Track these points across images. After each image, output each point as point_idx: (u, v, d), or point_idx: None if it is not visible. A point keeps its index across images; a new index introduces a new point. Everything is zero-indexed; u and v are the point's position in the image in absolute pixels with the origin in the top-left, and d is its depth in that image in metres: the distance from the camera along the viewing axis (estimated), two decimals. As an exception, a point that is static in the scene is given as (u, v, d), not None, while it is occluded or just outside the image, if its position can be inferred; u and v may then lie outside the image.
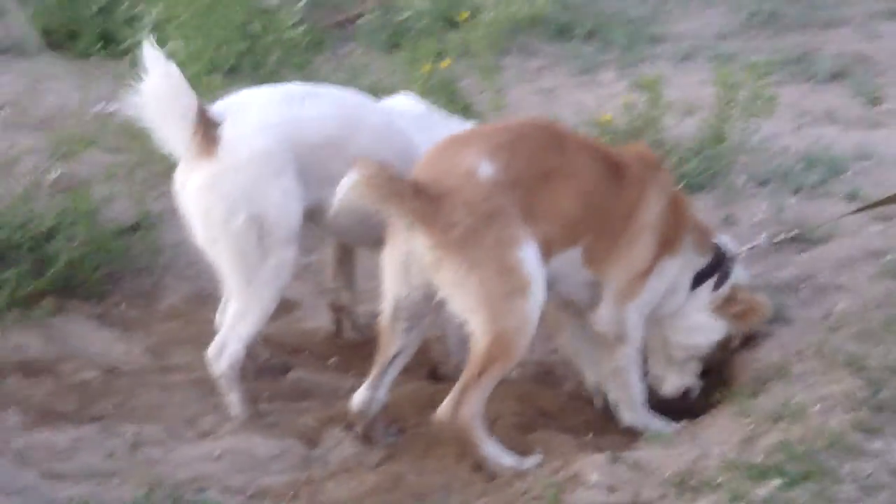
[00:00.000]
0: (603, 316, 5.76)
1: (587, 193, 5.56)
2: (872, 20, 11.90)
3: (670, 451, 5.27)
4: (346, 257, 6.69)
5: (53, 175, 7.51)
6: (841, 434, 4.95)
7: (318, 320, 6.84)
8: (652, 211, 5.71)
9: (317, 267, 7.08)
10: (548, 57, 10.59)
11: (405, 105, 6.45)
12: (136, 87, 5.66)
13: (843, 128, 9.02)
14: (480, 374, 5.34)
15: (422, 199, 5.19)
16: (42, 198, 7.06)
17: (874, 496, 4.63)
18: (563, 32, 11.28)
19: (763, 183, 7.85)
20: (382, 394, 5.63)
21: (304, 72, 8.87)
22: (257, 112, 5.85)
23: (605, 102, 9.02)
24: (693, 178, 7.70)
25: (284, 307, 6.82)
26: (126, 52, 9.34)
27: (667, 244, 5.76)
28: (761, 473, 4.77)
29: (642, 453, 5.29)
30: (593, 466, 5.17)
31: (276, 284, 5.87)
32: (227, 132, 5.73)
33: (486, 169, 5.32)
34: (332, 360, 6.51)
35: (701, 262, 5.93)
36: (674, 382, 6.03)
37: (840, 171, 7.95)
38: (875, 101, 9.50)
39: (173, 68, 5.67)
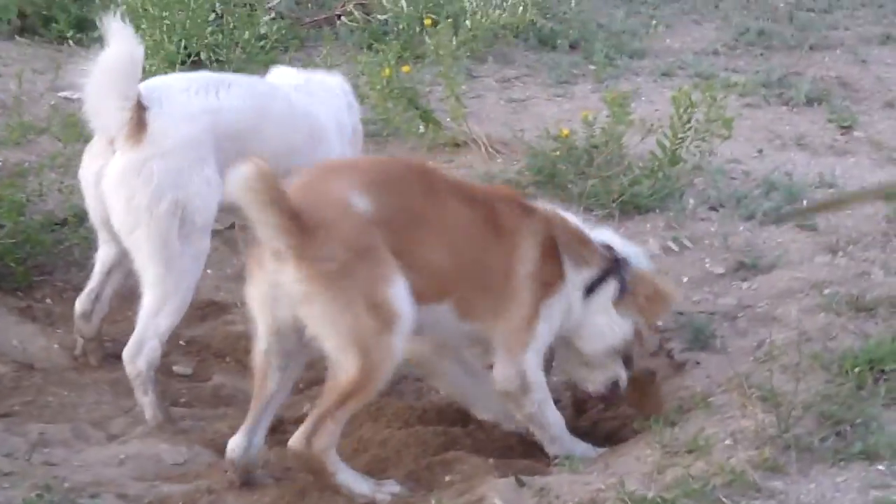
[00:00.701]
0: (500, 374, 5.61)
1: (457, 246, 5.45)
2: (863, 44, 11.80)
3: (579, 478, 5.19)
4: None
5: (-4, 162, 7.47)
6: (741, 472, 4.85)
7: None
8: (528, 261, 5.58)
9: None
10: (525, 67, 10.46)
11: (288, 78, 6.59)
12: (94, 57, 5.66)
13: (810, 154, 8.91)
14: (339, 406, 5.21)
15: (296, 222, 5.02)
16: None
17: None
18: (545, 42, 11.15)
19: (716, 207, 7.72)
20: (259, 439, 5.41)
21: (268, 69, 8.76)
22: (182, 99, 5.86)
23: (574, 116, 8.89)
24: (644, 198, 7.58)
25: (214, 310, 6.76)
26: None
27: (548, 286, 5.62)
28: (654, 514, 4.68)
29: (550, 479, 5.20)
30: (497, 491, 5.08)
31: (194, 275, 5.89)
32: (154, 118, 5.71)
33: (360, 203, 5.22)
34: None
35: (589, 274, 5.76)
36: (598, 380, 5.88)
37: (797, 198, 7.81)
38: (846, 128, 9.36)
39: (137, 44, 5.67)
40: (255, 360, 5.35)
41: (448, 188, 5.54)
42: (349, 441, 5.64)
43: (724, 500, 4.74)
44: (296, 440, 5.23)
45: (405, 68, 8.27)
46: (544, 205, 5.84)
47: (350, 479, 5.28)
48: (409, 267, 5.24)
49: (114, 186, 5.75)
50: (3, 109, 8.53)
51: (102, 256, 6.18)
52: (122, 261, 6.08)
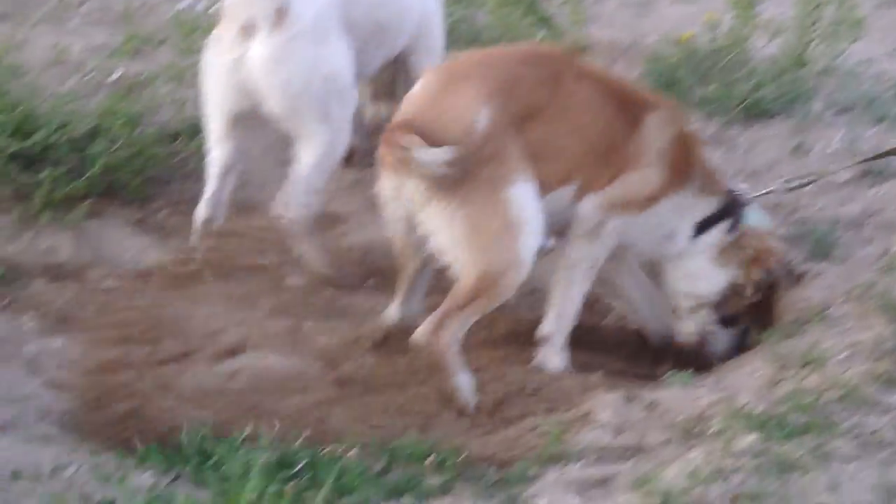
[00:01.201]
0: (585, 207, 5.54)
1: (585, 130, 5.43)
2: None
3: (688, 393, 5.08)
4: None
5: (115, 75, 7.45)
6: (855, 386, 4.69)
7: (362, 235, 6.66)
8: (660, 140, 5.51)
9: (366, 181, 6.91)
10: (649, -32, 10.18)
11: None
12: None
13: (950, 54, 8.56)
14: (463, 306, 5.26)
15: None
16: (100, 97, 6.99)
17: (872, 454, 4.37)
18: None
19: (844, 111, 7.46)
20: (416, 305, 5.60)
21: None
22: None
23: (700, 18, 8.59)
24: (769, 102, 7.34)
25: (329, 222, 6.70)
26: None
27: (673, 177, 5.54)
28: (761, 423, 4.54)
29: (662, 394, 5.10)
30: (606, 406, 5.01)
31: (350, 129, 6.13)
32: (294, 4, 5.79)
33: (483, 117, 5.23)
34: (370, 281, 6.32)
35: (707, 207, 5.65)
36: (685, 330, 5.78)
37: (931, 99, 7.52)
38: None
39: None
40: (393, 243, 5.53)
41: (578, 73, 5.54)
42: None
43: (837, 414, 4.59)
44: (419, 333, 5.30)
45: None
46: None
47: (465, 384, 5.30)
48: (538, 157, 5.31)
49: (265, 72, 5.81)
50: (122, 20, 8.50)
51: (218, 158, 6.19)
52: (237, 161, 6.19)
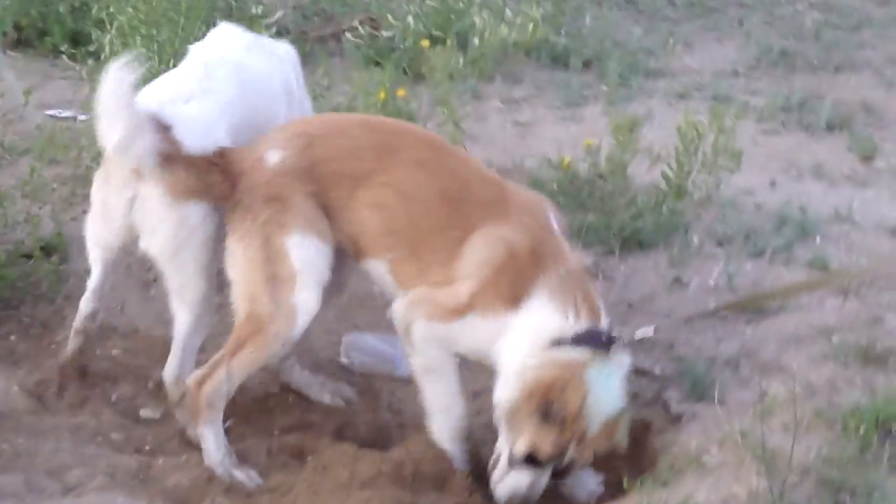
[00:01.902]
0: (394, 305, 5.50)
1: (398, 210, 5.42)
2: (891, 65, 11.39)
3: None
4: None
5: (-32, 186, 7.15)
6: (731, 551, 4.49)
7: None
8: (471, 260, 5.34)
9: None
10: (534, 86, 10.07)
11: (236, 39, 6.32)
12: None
13: (828, 184, 8.54)
14: (232, 353, 5.41)
15: (226, 185, 5.41)
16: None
17: None
18: (557, 60, 10.77)
19: (722, 243, 7.32)
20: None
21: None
22: (197, 108, 5.62)
23: (582, 140, 8.50)
24: (647, 233, 7.19)
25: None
26: (93, 54, 9.02)
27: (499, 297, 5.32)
28: None
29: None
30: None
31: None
32: (185, 137, 5.46)
33: (274, 157, 5.41)
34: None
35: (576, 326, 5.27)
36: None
37: (809, 233, 7.41)
38: (867, 157, 8.95)
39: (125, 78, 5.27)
40: None
41: (418, 156, 5.46)
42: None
43: (708, 580, 4.39)
44: (192, 377, 5.50)
45: (400, 91, 7.89)
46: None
47: (212, 438, 5.47)
48: (339, 220, 5.42)
49: (158, 214, 5.49)
50: (-12, 128, 8.21)
51: (100, 259, 5.89)
52: (116, 261, 5.96)
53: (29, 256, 6.40)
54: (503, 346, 5.26)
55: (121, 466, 5.52)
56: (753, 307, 6.37)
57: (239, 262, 5.39)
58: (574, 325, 5.19)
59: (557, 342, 5.15)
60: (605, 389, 5.12)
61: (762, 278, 6.90)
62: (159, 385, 5.96)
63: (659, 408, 5.94)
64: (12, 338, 6.24)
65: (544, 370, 5.10)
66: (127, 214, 5.54)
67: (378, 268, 5.51)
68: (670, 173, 7.32)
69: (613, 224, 7.16)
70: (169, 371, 5.77)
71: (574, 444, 5.11)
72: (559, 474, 5.26)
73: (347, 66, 9.88)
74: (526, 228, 5.33)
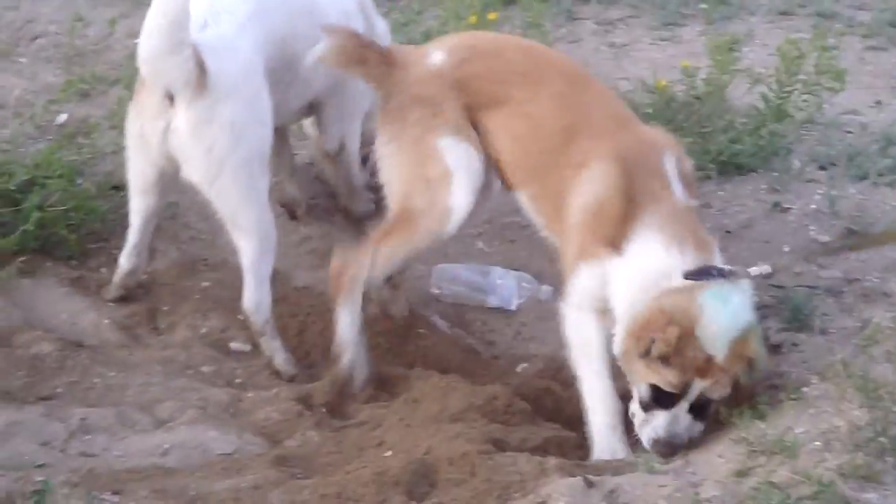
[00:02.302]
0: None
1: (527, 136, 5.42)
2: None
3: (653, 479, 4.70)
4: (280, 148, 6.47)
5: (60, 119, 7.10)
6: (829, 483, 4.33)
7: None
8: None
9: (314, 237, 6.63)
10: (631, 7, 9.79)
11: None
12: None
13: (938, 104, 8.21)
14: (379, 241, 5.53)
15: (382, 67, 5.53)
16: (41, 145, 6.62)
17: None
18: (656, -23, 10.48)
19: (825, 166, 7.09)
20: None
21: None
22: (226, 32, 5.58)
23: (679, 62, 8.29)
24: (746, 157, 6.98)
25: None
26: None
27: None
28: (721, 526, 4.20)
29: (622, 480, 4.71)
30: (563, 493, 4.61)
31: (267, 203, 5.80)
32: (211, 63, 5.41)
33: (436, 59, 5.53)
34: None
35: (687, 259, 5.13)
36: None
37: (917, 155, 7.16)
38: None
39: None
40: None
41: (563, 87, 5.43)
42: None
43: (808, 516, 4.25)
44: (335, 259, 5.63)
45: (491, 15, 7.73)
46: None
47: (347, 321, 5.59)
48: (484, 141, 5.46)
49: (189, 140, 5.47)
50: (77, 58, 8.15)
51: (140, 208, 5.90)
52: (159, 212, 6.00)
53: (118, 188, 6.31)
54: (614, 292, 5.14)
55: (211, 399, 5.51)
56: (875, 244, 6.13)
57: (390, 164, 5.52)
58: (682, 262, 5.02)
59: (666, 280, 5.00)
60: (723, 311, 4.91)
61: (866, 202, 6.69)
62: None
63: (759, 339, 5.77)
64: (103, 270, 6.21)
65: (646, 308, 4.96)
66: (162, 143, 5.51)
67: (520, 199, 5.54)
68: (770, 94, 7.09)
69: (710, 148, 6.95)
70: (247, 301, 5.75)
71: (698, 375, 4.95)
72: (700, 410, 5.08)
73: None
74: (624, 168, 5.19)
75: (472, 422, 5.29)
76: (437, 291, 6.39)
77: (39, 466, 4.87)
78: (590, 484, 4.67)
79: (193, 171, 5.55)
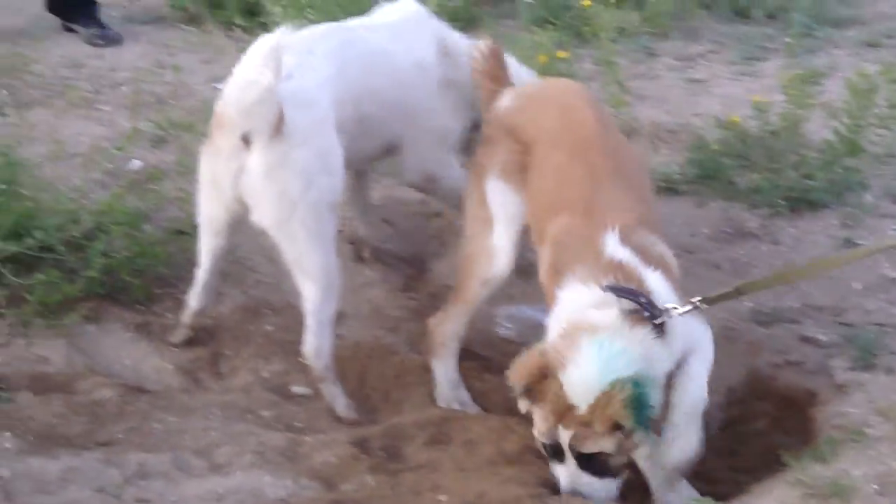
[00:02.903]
0: None
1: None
2: None
3: (705, 524, 4.65)
4: (357, 185, 6.67)
5: (134, 165, 7.20)
6: (883, 529, 4.24)
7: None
8: None
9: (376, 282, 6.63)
10: (712, 42, 9.73)
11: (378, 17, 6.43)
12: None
13: None
14: (455, 294, 5.73)
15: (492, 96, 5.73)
16: (115, 190, 6.68)
17: None
18: (739, 12, 10.40)
19: (901, 202, 6.96)
20: None
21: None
22: (306, 79, 5.66)
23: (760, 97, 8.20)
24: (819, 193, 6.87)
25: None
26: (266, 26, 9.03)
27: None
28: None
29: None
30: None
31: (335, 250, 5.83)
32: (290, 113, 5.47)
33: (505, 100, 5.63)
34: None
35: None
36: None
37: None
38: None
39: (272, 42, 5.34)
40: None
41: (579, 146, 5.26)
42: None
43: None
44: (432, 318, 5.80)
45: (560, 53, 7.70)
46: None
47: (443, 375, 5.80)
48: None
49: (262, 182, 5.53)
50: (155, 104, 8.28)
51: (210, 248, 5.94)
52: (226, 252, 6.03)
53: (183, 232, 6.37)
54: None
55: (269, 444, 5.47)
56: (781, 283, 5.92)
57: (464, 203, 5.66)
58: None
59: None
60: (595, 359, 4.56)
61: (940, 240, 6.54)
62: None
63: (824, 377, 5.67)
64: (168, 315, 6.23)
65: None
66: (235, 186, 5.56)
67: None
68: (843, 128, 6.98)
69: (781, 184, 6.85)
70: (308, 347, 5.76)
71: (560, 422, 4.68)
72: (594, 466, 4.74)
73: (519, 27, 9.68)
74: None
75: (528, 464, 5.23)
76: (503, 332, 6.34)
77: (95, 512, 4.88)
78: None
79: (264, 213, 5.59)
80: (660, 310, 4.69)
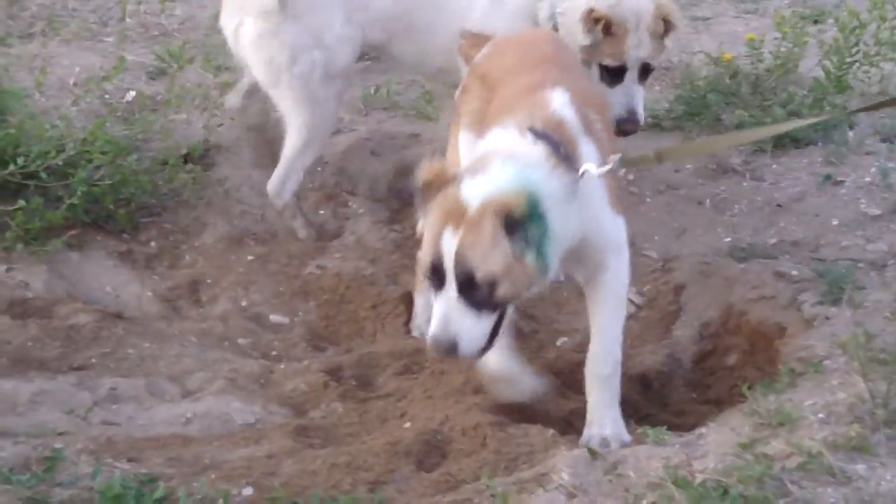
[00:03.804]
0: None
1: None
2: None
3: (659, 451, 4.66)
4: None
5: (128, 97, 7.27)
6: (818, 453, 4.27)
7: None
8: None
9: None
10: (720, -22, 9.68)
11: None
12: None
13: None
14: None
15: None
16: (111, 120, 6.75)
17: (812, 536, 3.98)
18: (749, -53, 10.30)
19: (887, 139, 6.93)
20: None
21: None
22: None
23: (763, 35, 8.15)
24: (804, 131, 6.86)
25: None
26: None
27: None
28: (699, 496, 4.15)
29: (628, 452, 4.70)
30: (567, 465, 4.59)
31: (334, 112, 6.40)
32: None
33: (481, 52, 5.53)
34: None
35: None
36: None
37: None
38: None
39: None
40: None
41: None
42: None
43: (793, 484, 4.19)
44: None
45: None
46: None
47: (420, 305, 5.85)
48: None
49: (251, 48, 6.19)
50: (161, 37, 8.35)
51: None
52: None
53: (167, 164, 6.48)
54: None
55: (242, 371, 5.59)
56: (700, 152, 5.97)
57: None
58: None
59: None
60: (501, 172, 4.39)
61: (924, 176, 6.54)
62: (290, 292, 6.05)
63: (794, 311, 5.69)
64: (152, 244, 6.34)
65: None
66: (233, 42, 6.22)
67: None
68: (830, 66, 6.96)
69: (768, 121, 6.85)
70: (271, 185, 6.33)
71: (448, 227, 4.37)
72: (467, 291, 4.39)
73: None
74: None
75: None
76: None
77: (61, 434, 4.95)
78: (594, 456, 4.66)
79: (256, 75, 6.27)
80: (577, 166, 4.50)
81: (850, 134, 6.91)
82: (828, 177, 6.58)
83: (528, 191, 4.32)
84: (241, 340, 5.87)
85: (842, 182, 6.58)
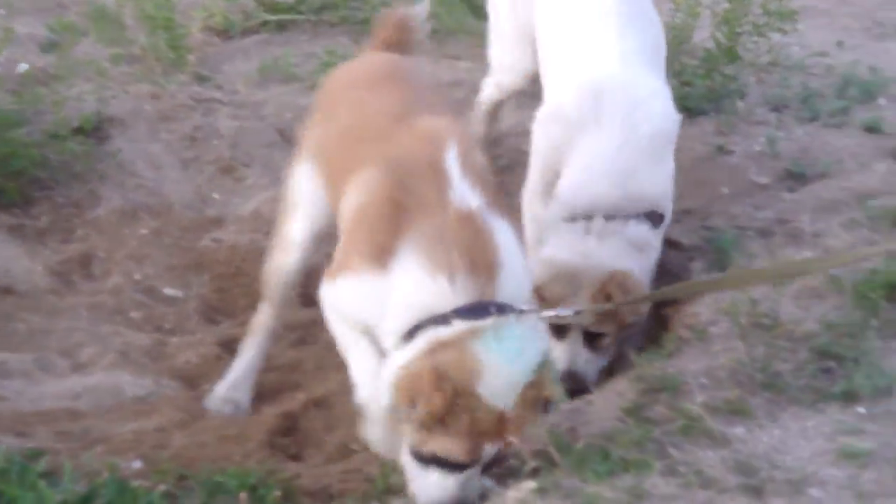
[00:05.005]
0: None
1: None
2: None
3: (546, 420, 4.71)
4: None
5: (20, 69, 7.21)
6: (697, 417, 4.37)
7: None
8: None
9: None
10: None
11: None
12: None
13: (910, 44, 8.10)
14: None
15: None
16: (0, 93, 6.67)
17: (691, 495, 4.05)
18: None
19: (779, 109, 7.04)
20: None
21: None
22: None
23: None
24: (694, 100, 6.94)
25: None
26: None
27: None
28: (579, 461, 4.22)
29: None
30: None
31: None
32: None
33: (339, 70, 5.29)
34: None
35: None
36: None
37: (873, 97, 7.08)
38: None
39: None
40: None
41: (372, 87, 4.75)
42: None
43: (673, 447, 4.29)
44: None
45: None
46: None
47: None
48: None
49: None
50: (59, 9, 8.24)
51: None
52: None
53: (57, 136, 6.41)
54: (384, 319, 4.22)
55: (134, 344, 5.59)
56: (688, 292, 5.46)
57: None
58: (453, 293, 4.03)
59: (434, 320, 4.04)
60: (504, 356, 3.98)
61: (810, 144, 6.65)
62: (184, 265, 6.05)
63: (684, 279, 5.76)
64: (43, 218, 6.27)
65: (416, 363, 4.02)
66: None
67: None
68: (721, 36, 7.04)
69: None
70: None
71: (487, 439, 4.01)
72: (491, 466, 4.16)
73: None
74: (394, 168, 4.30)
75: (383, 363, 5.33)
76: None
77: (-50, 411, 4.95)
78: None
79: None
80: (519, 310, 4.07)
81: (741, 104, 6.99)
82: (720, 147, 6.65)
83: (547, 366, 4.09)
84: (133, 314, 5.84)
85: (732, 151, 6.65)
